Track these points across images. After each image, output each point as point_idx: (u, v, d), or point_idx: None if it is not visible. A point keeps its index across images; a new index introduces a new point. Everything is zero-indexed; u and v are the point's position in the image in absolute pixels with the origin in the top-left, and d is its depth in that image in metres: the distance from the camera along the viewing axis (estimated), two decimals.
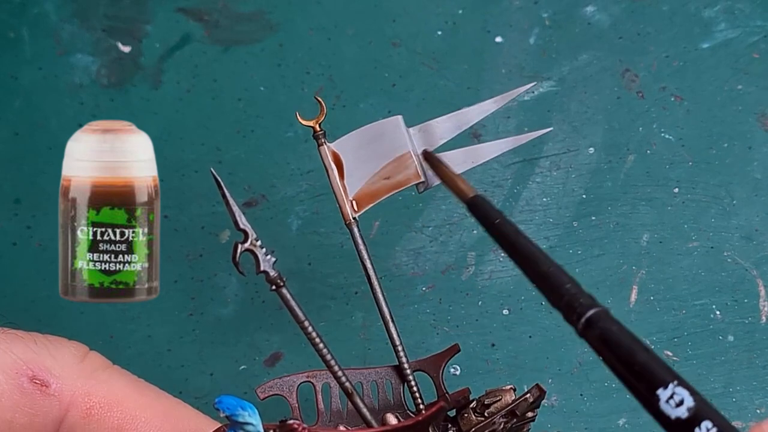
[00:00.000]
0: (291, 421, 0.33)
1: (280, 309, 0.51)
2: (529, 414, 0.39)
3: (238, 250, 0.35)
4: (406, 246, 0.53)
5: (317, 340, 0.37)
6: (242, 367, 0.51)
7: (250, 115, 0.56)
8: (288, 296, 0.36)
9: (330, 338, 0.51)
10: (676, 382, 0.26)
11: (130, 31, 0.58)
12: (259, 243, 0.35)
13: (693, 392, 0.26)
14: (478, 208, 0.35)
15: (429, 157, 0.40)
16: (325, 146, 0.41)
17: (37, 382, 0.38)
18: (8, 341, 0.38)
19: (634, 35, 0.57)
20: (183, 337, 0.52)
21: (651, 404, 0.26)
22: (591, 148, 0.55)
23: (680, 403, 0.26)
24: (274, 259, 0.35)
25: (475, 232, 0.53)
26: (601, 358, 0.28)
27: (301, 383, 0.40)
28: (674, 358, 0.51)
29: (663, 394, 0.26)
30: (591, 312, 0.29)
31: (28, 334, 0.39)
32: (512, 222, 0.33)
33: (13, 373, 0.37)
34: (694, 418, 0.26)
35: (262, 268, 0.35)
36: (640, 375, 0.27)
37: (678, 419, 0.26)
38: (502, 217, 0.33)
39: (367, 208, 0.41)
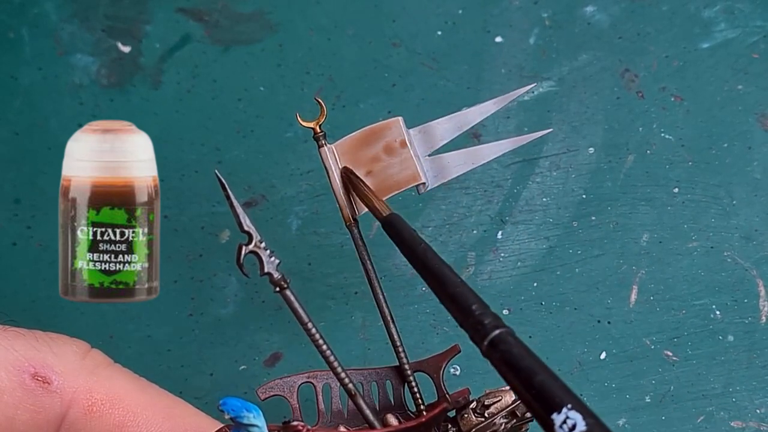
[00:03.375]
0: (295, 423, 0.33)
1: (279, 309, 0.51)
2: (528, 414, 0.39)
3: (243, 252, 0.35)
4: None
5: (321, 341, 0.37)
6: (242, 367, 0.51)
7: (250, 115, 0.56)
8: (292, 298, 0.36)
9: (330, 338, 0.51)
10: (569, 406, 0.26)
11: (130, 31, 0.58)
12: (263, 245, 0.35)
13: (587, 415, 0.26)
14: (392, 226, 0.35)
15: (348, 174, 0.40)
16: (325, 148, 0.41)
17: (39, 378, 0.38)
18: (10, 338, 0.38)
19: (634, 35, 0.57)
20: (183, 337, 0.52)
21: (547, 427, 0.26)
22: (591, 148, 0.55)
23: (573, 428, 0.26)
24: (277, 261, 0.35)
25: (474, 232, 0.53)
26: (503, 378, 0.28)
27: (301, 384, 0.40)
28: (674, 358, 0.51)
29: (557, 418, 0.26)
30: (494, 333, 0.29)
31: (29, 332, 0.39)
32: (424, 241, 0.34)
33: (15, 370, 0.37)
34: None
35: (266, 270, 0.35)
36: (538, 397, 0.27)
37: None
38: (414, 236, 0.34)
39: (367, 210, 0.41)
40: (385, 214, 0.36)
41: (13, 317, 0.50)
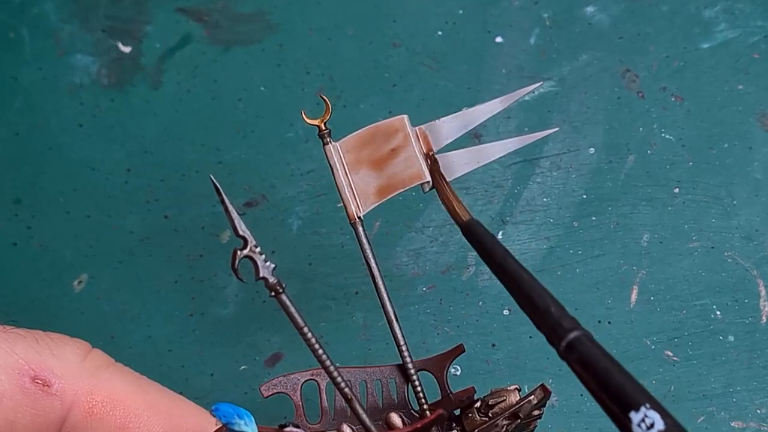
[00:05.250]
0: (289, 429, 0.32)
1: (280, 309, 0.51)
2: (536, 412, 0.39)
3: (237, 257, 0.35)
4: (407, 246, 0.53)
5: (316, 346, 0.36)
6: (243, 367, 0.51)
7: (250, 115, 0.56)
8: (287, 303, 0.36)
9: (330, 339, 0.51)
10: (648, 405, 0.26)
11: (130, 31, 0.58)
12: (258, 249, 0.35)
13: (665, 415, 0.26)
14: (471, 231, 0.36)
15: (434, 173, 0.40)
16: (330, 145, 0.41)
17: (39, 381, 0.37)
18: (10, 340, 0.38)
19: (634, 35, 0.57)
20: (183, 338, 0.52)
21: (624, 426, 0.27)
22: (591, 148, 0.55)
23: (651, 426, 0.26)
24: (273, 266, 0.35)
25: None
26: (580, 380, 0.29)
27: (305, 381, 0.40)
28: (674, 358, 0.51)
29: (635, 416, 0.26)
30: (572, 335, 0.29)
31: (29, 333, 0.39)
32: (503, 245, 0.34)
33: (15, 374, 0.37)
34: None
35: (261, 275, 0.35)
36: (615, 397, 0.27)
37: None
38: (494, 240, 0.35)
39: (372, 208, 0.41)
40: (465, 219, 0.37)
41: (13, 317, 0.51)
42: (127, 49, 0.58)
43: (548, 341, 0.30)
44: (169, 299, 0.52)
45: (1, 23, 0.58)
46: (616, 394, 0.27)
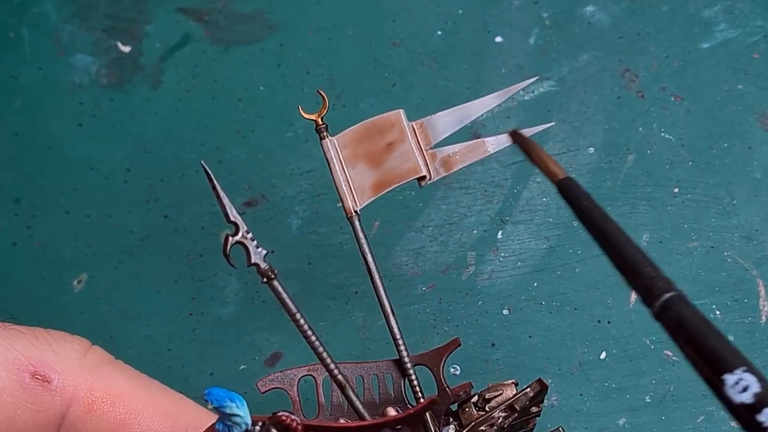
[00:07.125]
0: (280, 413, 0.32)
1: (280, 308, 0.51)
2: (534, 409, 0.39)
3: (229, 243, 0.35)
4: (406, 246, 0.53)
5: (309, 332, 0.37)
6: (242, 366, 0.51)
7: (250, 115, 0.56)
8: (279, 289, 0.36)
9: (330, 338, 0.51)
10: (744, 368, 0.26)
11: (130, 31, 0.58)
12: (250, 235, 0.35)
13: (761, 379, 0.26)
14: (567, 190, 0.35)
15: (518, 137, 0.40)
16: (327, 140, 0.41)
17: (39, 378, 0.37)
18: (10, 337, 0.38)
19: (634, 35, 0.57)
20: (183, 337, 0.52)
21: (717, 388, 0.27)
22: (591, 148, 0.55)
23: (745, 389, 0.26)
24: (265, 252, 0.35)
25: (474, 231, 0.53)
26: (673, 340, 0.29)
27: (302, 377, 0.40)
28: (674, 358, 0.51)
29: (729, 378, 0.26)
30: (667, 296, 0.29)
31: (29, 330, 0.39)
32: (599, 205, 0.34)
33: (15, 369, 0.37)
34: (758, 404, 0.26)
35: (253, 261, 0.35)
36: (709, 359, 0.27)
37: (741, 404, 0.26)
38: (590, 200, 0.34)
39: (368, 202, 0.41)
40: (560, 177, 0.36)
41: (13, 316, 0.51)
42: (126, 49, 0.58)
43: (642, 302, 0.30)
44: (169, 299, 0.52)
45: (1, 23, 0.58)
46: (711, 355, 0.27)
